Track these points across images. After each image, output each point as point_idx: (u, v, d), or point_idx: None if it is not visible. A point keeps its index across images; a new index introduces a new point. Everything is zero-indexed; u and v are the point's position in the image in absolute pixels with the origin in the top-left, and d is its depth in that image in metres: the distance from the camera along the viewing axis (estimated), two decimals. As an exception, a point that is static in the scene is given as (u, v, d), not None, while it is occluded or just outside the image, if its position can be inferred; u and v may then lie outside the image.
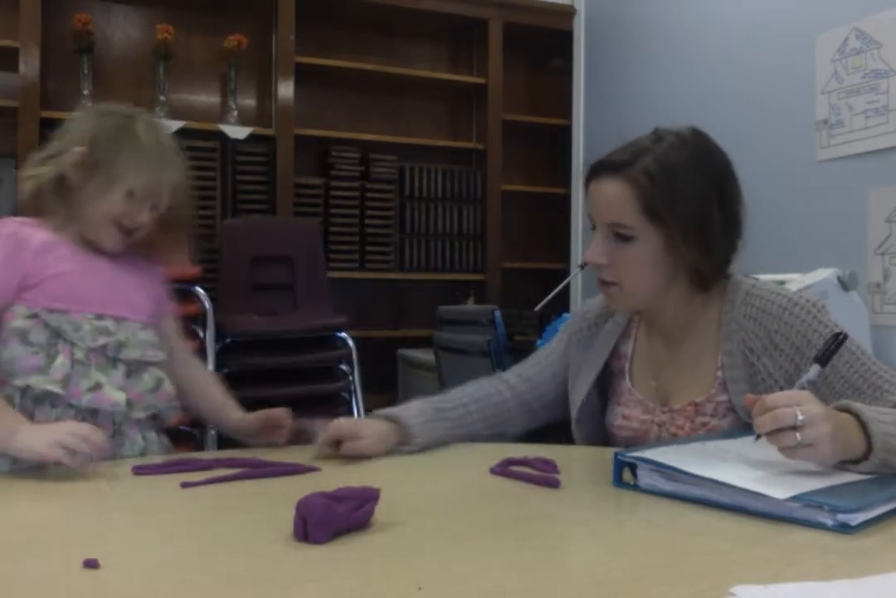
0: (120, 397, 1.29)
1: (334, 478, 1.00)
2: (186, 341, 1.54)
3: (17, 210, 1.40)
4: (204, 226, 3.37)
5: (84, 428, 1.14)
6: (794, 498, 0.88)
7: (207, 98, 3.62)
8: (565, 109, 3.93)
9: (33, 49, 3.08)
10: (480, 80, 3.97)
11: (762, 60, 2.74)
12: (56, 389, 1.25)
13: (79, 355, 1.28)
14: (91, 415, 1.29)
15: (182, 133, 3.33)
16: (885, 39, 2.31)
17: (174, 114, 3.40)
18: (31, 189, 1.32)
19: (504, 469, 1.15)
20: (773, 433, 0.95)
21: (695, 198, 1.21)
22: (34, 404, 1.27)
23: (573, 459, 1.24)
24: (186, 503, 1.03)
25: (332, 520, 0.83)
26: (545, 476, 1.10)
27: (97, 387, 1.28)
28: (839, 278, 2.12)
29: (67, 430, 1.13)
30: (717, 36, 2.97)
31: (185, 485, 1.07)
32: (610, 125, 3.53)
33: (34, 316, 1.27)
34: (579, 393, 1.37)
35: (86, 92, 3.29)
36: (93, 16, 3.30)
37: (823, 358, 1.09)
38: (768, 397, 0.97)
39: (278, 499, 0.99)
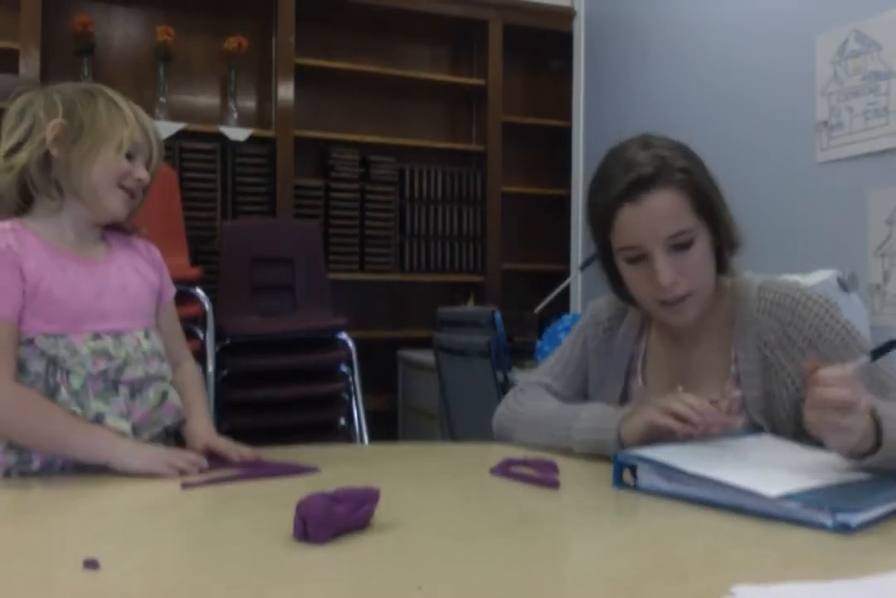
0: (125, 426, 1.22)
1: (334, 479, 1.00)
2: (184, 340, 1.44)
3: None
4: (204, 227, 3.37)
5: (191, 456, 1.17)
6: (792, 498, 0.88)
7: (207, 100, 3.62)
8: (565, 110, 3.93)
9: (33, 50, 3.08)
10: (480, 82, 3.97)
11: (762, 62, 2.74)
12: None
13: (76, 383, 1.20)
14: None
15: (182, 135, 3.34)
16: (885, 41, 2.31)
17: (174, 115, 3.41)
18: (11, 180, 1.23)
19: (504, 470, 1.15)
20: (818, 408, 0.95)
21: (716, 188, 1.25)
22: None
23: (573, 459, 1.24)
24: (187, 503, 1.04)
25: (332, 520, 0.83)
26: (545, 477, 1.10)
27: (99, 419, 1.21)
28: (839, 280, 2.11)
29: (176, 454, 1.17)
30: (717, 37, 2.97)
31: (185, 485, 1.08)
32: (610, 127, 3.53)
33: (30, 342, 1.20)
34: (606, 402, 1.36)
35: (86, 93, 3.28)
36: (93, 17, 3.30)
37: (876, 354, 1.05)
38: (824, 371, 0.97)
39: (278, 499, 0.99)
